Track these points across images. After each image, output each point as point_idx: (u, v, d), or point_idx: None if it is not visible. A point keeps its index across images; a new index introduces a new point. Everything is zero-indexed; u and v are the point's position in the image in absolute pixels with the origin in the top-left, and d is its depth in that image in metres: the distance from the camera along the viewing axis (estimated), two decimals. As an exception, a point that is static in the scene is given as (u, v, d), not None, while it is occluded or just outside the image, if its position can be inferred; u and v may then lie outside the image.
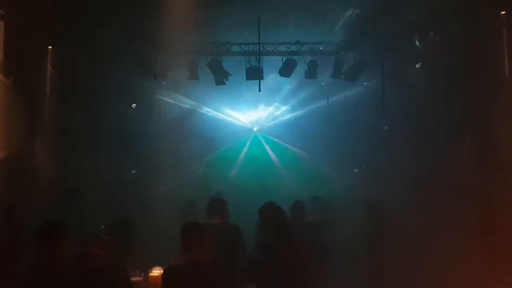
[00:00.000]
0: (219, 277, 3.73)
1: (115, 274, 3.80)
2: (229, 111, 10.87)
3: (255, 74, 8.54)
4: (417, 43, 7.94)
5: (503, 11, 7.07)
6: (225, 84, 8.94)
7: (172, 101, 9.66)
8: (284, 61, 8.68)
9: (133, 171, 9.46)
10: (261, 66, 8.50)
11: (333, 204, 7.28)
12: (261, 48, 8.43)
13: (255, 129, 11.28)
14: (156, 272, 4.28)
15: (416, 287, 6.08)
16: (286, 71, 8.73)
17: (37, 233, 3.83)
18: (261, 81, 8.52)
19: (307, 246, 5.62)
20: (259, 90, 8.58)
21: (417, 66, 8.16)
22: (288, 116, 10.83)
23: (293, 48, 8.75)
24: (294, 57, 8.69)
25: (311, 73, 8.85)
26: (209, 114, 10.51)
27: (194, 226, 3.89)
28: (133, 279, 4.19)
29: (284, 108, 10.91)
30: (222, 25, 7.62)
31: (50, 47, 7.96)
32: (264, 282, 4.29)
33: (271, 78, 8.97)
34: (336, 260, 6.18)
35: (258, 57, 8.47)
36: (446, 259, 6.00)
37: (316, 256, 5.83)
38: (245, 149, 11.02)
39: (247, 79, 8.66)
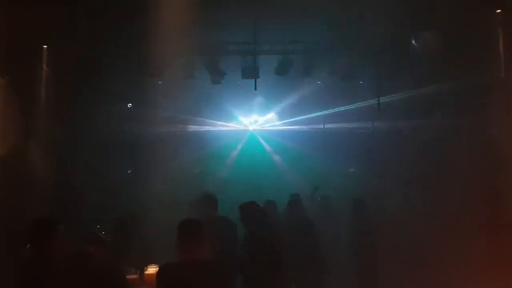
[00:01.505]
0: (214, 275, 3.71)
1: (111, 272, 3.78)
2: (226, 110, 10.84)
3: (251, 72, 8.54)
4: (412, 42, 7.96)
5: (498, 9, 7.11)
6: (221, 83, 8.94)
7: (168, 101, 9.63)
8: (280, 60, 8.68)
9: (129, 171, 9.44)
10: (257, 65, 8.50)
11: (330, 201, 7.26)
12: (257, 47, 8.42)
13: (251, 128, 11.26)
14: (152, 270, 4.25)
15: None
16: (282, 69, 8.73)
17: (28, 230, 3.80)
18: (257, 80, 8.52)
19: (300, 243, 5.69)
20: (255, 89, 8.58)
21: (413, 65, 8.17)
22: (285, 115, 10.82)
23: (290, 47, 8.74)
24: (290, 56, 8.68)
25: (307, 71, 8.85)
26: (206, 113, 10.49)
27: (190, 224, 3.87)
28: (129, 277, 4.17)
29: (280, 106, 10.88)
30: (218, 24, 7.60)
31: (45, 46, 7.93)
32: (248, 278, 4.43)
33: (267, 76, 8.97)
34: (329, 258, 6.17)
35: (254, 56, 8.46)
36: (444, 259, 6.00)
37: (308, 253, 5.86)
38: (242, 147, 11.01)
39: (242, 78, 8.66)
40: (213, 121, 10.69)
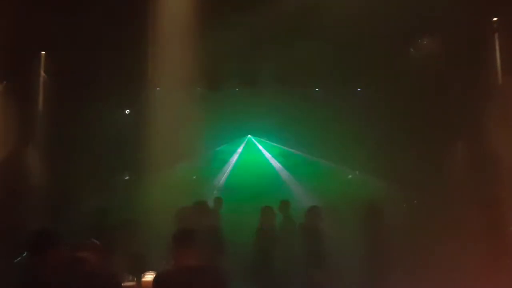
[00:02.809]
0: (210, 281, 3.70)
1: (107, 279, 3.75)
2: (223, 117, 10.83)
3: (249, 79, 8.56)
4: (411, 48, 8.01)
5: (495, 17, 7.17)
6: (219, 89, 8.94)
7: (165, 107, 9.62)
8: (279, 67, 8.69)
9: (127, 177, 9.42)
10: (255, 72, 8.53)
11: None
12: (255, 55, 8.42)
13: (249, 134, 11.25)
14: (149, 277, 4.23)
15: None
16: (280, 76, 8.75)
17: (28, 243, 3.77)
18: (255, 87, 8.55)
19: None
20: (253, 96, 8.61)
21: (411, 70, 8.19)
22: (283, 120, 10.78)
23: (288, 53, 8.73)
24: (289, 63, 8.67)
25: (305, 78, 8.87)
26: (203, 119, 10.46)
27: (185, 232, 3.87)
28: (126, 284, 4.14)
29: (278, 112, 10.87)
30: (216, 31, 7.62)
31: (43, 52, 7.94)
32: None
33: (265, 83, 8.98)
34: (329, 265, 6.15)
35: (252, 63, 8.49)
36: (443, 261, 5.98)
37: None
38: (240, 153, 10.99)
39: (241, 84, 8.68)
40: (211, 127, 10.66)
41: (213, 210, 6.88)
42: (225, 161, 10.80)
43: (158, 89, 8.88)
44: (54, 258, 3.65)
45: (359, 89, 9.43)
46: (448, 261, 5.82)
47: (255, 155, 10.99)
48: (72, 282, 3.60)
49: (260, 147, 11.13)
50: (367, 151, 8.94)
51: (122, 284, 4.01)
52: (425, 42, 8.04)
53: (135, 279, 4.38)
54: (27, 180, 7.38)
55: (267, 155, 11.00)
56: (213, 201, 7.54)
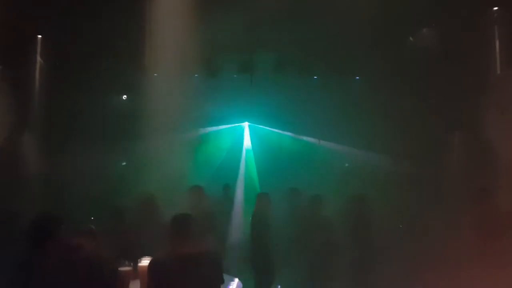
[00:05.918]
0: (205, 268, 3.72)
1: (102, 264, 3.75)
2: (221, 104, 10.82)
3: (246, 67, 8.53)
4: (410, 38, 7.98)
5: (495, 7, 7.14)
6: (217, 77, 8.91)
7: (163, 93, 9.58)
8: (276, 55, 8.66)
9: (124, 163, 9.42)
10: (253, 59, 8.49)
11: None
12: (253, 42, 8.38)
13: (246, 123, 11.24)
14: (145, 262, 4.24)
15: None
16: (278, 64, 8.72)
17: (33, 224, 3.76)
18: (253, 75, 8.52)
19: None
20: (251, 84, 8.58)
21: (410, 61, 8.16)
22: (281, 107, 10.78)
23: (286, 41, 8.70)
24: (287, 51, 8.65)
25: (303, 67, 8.84)
26: (200, 106, 10.44)
27: (182, 217, 3.88)
28: (122, 269, 4.15)
29: (276, 101, 10.86)
30: (214, 17, 7.57)
31: (40, 36, 7.86)
32: None
33: (263, 71, 8.95)
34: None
35: (250, 50, 8.44)
36: (436, 257, 6.02)
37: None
38: (237, 141, 10.99)
39: (239, 73, 8.64)
40: (207, 115, 10.64)
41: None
42: (223, 148, 10.80)
43: (155, 75, 8.83)
44: (53, 242, 3.65)
45: (357, 78, 9.41)
46: (444, 256, 5.85)
47: (253, 141, 11.00)
48: (68, 268, 3.60)
49: (258, 134, 11.13)
50: (365, 139, 8.95)
51: (118, 269, 4.01)
52: (424, 32, 8.01)
53: (131, 265, 4.39)
54: (22, 166, 7.36)
55: (265, 142, 11.01)
56: (222, 188, 7.92)
